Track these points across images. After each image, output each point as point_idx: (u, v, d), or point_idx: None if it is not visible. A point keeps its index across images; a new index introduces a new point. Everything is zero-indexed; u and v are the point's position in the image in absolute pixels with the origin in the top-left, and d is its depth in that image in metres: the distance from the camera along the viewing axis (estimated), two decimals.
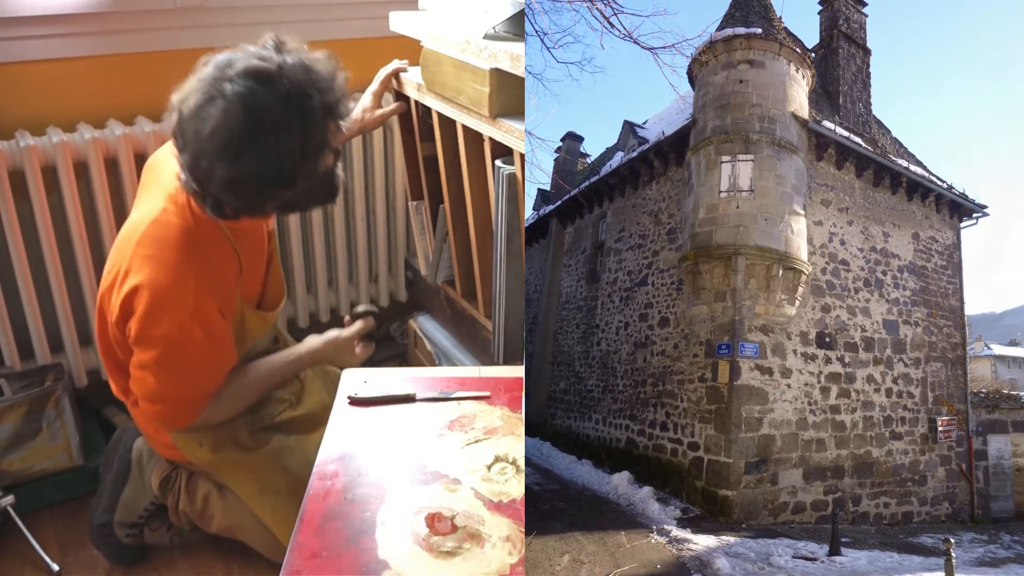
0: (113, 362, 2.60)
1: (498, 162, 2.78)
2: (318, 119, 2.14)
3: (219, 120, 2.03)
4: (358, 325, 2.83)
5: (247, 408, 2.69)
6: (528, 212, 10.56)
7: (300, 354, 2.75)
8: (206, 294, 2.36)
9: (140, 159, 3.47)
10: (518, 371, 2.51)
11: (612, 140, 10.31)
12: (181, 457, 2.77)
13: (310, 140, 2.15)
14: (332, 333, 2.80)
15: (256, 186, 2.15)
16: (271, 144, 2.07)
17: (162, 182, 2.40)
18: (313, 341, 2.78)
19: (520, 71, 2.55)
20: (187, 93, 2.12)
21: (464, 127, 2.98)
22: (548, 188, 10.68)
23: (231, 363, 2.56)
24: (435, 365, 3.76)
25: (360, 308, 2.91)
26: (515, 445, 2.13)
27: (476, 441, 2.16)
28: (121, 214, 3.54)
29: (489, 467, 2.05)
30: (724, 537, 4.53)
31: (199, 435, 2.66)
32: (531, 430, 8.28)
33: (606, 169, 8.22)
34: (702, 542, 4.33)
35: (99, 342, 2.64)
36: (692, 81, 6.50)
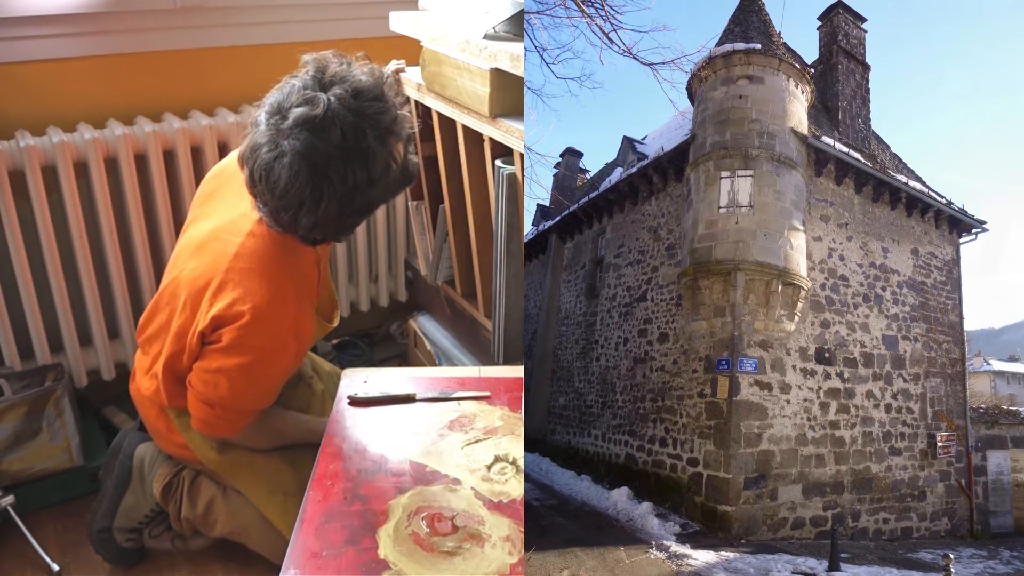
0: (169, 361, 2.56)
1: (498, 162, 2.78)
2: (376, 150, 2.16)
3: (287, 179, 2.07)
4: None
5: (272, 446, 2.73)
6: (527, 228, 10.56)
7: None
8: (304, 307, 2.43)
9: (140, 159, 3.48)
10: (518, 371, 2.50)
11: (611, 156, 10.32)
12: (191, 457, 2.75)
13: (374, 169, 2.18)
14: None
15: (337, 222, 2.23)
16: (340, 187, 2.12)
17: (246, 193, 2.42)
18: None
19: (520, 71, 2.55)
20: (250, 148, 2.15)
21: (464, 127, 2.99)
22: (547, 204, 10.69)
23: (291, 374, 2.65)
24: (435, 365, 3.75)
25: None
26: (515, 445, 2.12)
27: (476, 441, 2.15)
28: (121, 214, 3.54)
29: (489, 467, 2.04)
30: (723, 553, 4.49)
31: (210, 438, 2.66)
32: (530, 446, 8.23)
33: (605, 185, 8.22)
34: (701, 558, 4.30)
35: (154, 334, 2.62)
36: (691, 97, 6.52)
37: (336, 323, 2.86)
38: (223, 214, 2.49)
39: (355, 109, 2.12)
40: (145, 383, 2.71)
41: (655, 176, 7.02)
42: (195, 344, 2.40)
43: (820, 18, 7.76)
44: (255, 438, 2.64)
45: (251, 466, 2.69)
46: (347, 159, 2.10)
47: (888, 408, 6.39)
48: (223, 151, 3.54)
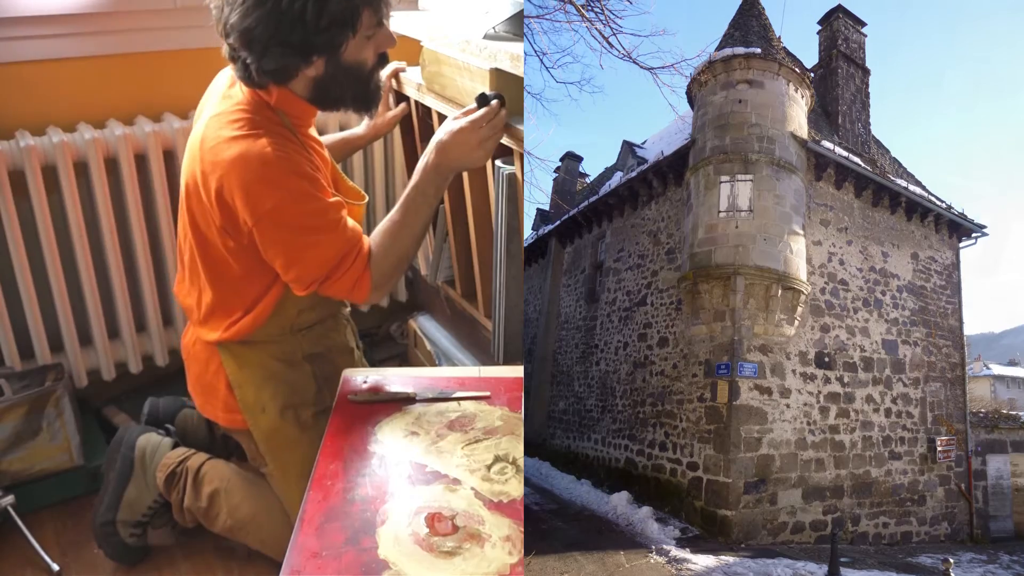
0: (225, 280, 2.53)
1: (498, 162, 2.77)
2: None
3: None
4: (481, 112, 2.45)
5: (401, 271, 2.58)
6: (527, 232, 10.56)
7: (423, 169, 2.48)
8: (288, 148, 2.31)
9: (140, 159, 3.48)
10: (518, 371, 2.49)
11: (611, 160, 10.33)
12: (239, 425, 2.71)
13: (326, 12, 2.14)
14: (445, 126, 2.47)
15: (263, 43, 2.17)
16: (286, 5, 2.10)
17: (215, 91, 2.43)
18: (425, 154, 2.48)
19: (520, 71, 2.54)
20: None
21: None
22: (547, 208, 10.69)
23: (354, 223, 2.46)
24: (435, 365, 3.75)
25: (485, 92, 2.49)
26: (515, 445, 2.11)
27: (476, 441, 2.14)
28: (121, 214, 3.54)
29: (489, 467, 2.03)
30: (723, 557, 4.49)
31: (264, 400, 2.64)
32: (530, 450, 8.22)
33: (605, 189, 8.22)
34: (701, 562, 4.29)
35: (201, 264, 2.56)
36: (691, 101, 6.52)
37: (366, 199, 2.73)
38: (199, 123, 2.48)
39: None
40: (205, 333, 2.66)
41: (655, 180, 7.02)
42: (229, 242, 2.38)
43: (820, 22, 7.77)
44: (389, 272, 2.50)
45: (294, 445, 2.66)
46: None
47: (888, 412, 6.39)
48: None
